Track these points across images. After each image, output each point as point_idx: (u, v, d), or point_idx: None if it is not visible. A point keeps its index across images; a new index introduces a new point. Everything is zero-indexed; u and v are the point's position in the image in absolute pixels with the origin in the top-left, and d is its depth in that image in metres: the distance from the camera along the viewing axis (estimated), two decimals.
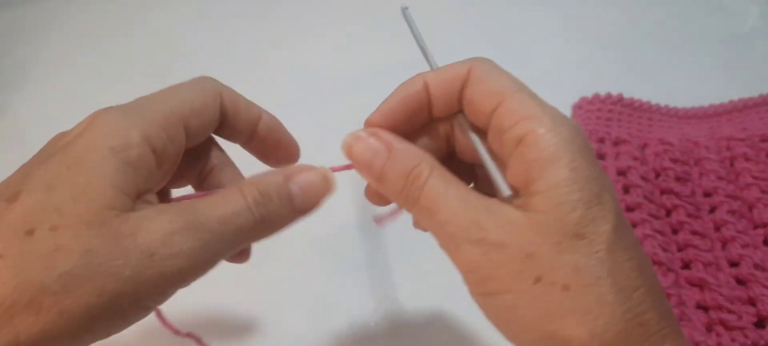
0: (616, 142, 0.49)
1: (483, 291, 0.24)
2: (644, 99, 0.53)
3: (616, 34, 0.64)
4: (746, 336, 0.37)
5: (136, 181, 0.24)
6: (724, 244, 0.42)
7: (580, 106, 0.52)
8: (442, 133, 0.29)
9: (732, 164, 0.47)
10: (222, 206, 0.25)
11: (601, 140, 0.49)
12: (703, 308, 0.39)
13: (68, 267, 0.21)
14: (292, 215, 0.27)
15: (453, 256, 0.24)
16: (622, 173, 0.46)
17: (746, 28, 0.64)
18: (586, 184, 0.23)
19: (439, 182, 0.24)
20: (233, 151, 0.34)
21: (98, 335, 0.23)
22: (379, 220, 0.32)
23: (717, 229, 0.43)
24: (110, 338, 0.23)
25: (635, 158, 0.47)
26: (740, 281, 0.40)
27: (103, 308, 0.22)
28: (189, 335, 0.36)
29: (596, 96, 0.52)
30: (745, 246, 0.41)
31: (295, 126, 0.58)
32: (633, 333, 0.22)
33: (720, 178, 0.45)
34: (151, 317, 0.26)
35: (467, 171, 0.30)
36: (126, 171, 0.24)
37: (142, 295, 0.23)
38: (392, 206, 0.29)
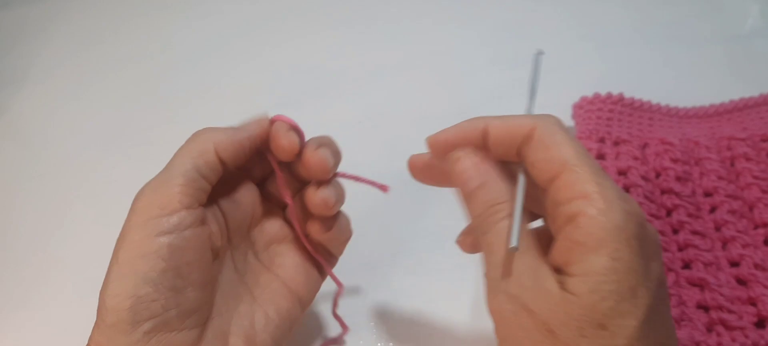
0: (617, 142, 0.49)
1: (502, 342, 0.26)
2: (645, 99, 0.53)
3: (616, 34, 0.63)
4: (747, 336, 0.37)
5: None
6: (725, 244, 0.42)
7: (580, 106, 0.52)
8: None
9: (732, 164, 0.47)
10: (173, 158, 0.31)
11: (602, 140, 0.49)
12: (703, 307, 0.39)
13: None
14: (232, 135, 0.31)
15: (489, 298, 0.26)
16: (622, 172, 0.46)
17: (746, 28, 0.64)
18: (624, 276, 0.23)
19: (496, 234, 0.26)
20: None
21: None
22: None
23: (717, 229, 0.43)
24: None
25: (636, 158, 0.47)
26: (741, 281, 0.40)
27: None
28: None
29: (597, 96, 0.52)
30: (745, 246, 0.41)
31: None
32: None
33: (720, 178, 0.45)
34: None
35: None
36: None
37: None
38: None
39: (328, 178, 0.33)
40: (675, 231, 0.43)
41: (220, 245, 0.32)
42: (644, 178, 0.45)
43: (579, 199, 0.24)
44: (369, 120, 0.56)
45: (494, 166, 0.28)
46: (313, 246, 0.35)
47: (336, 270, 0.37)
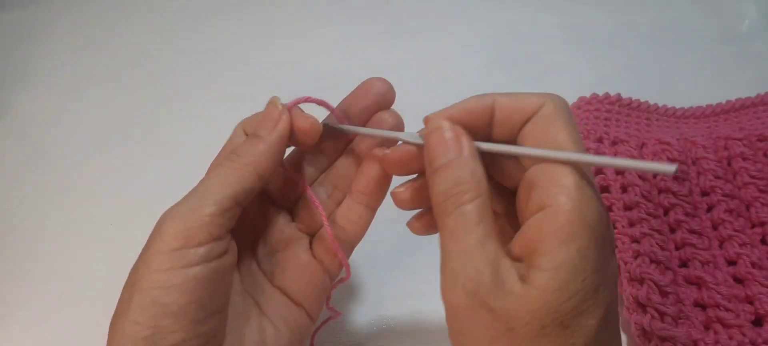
0: (614, 142, 0.49)
1: (456, 338, 0.25)
2: (642, 99, 0.53)
3: (614, 34, 0.64)
4: (744, 334, 0.37)
5: None
6: (722, 242, 0.42)
7: (578, 106, 0.53)
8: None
9: (729, 163, 0.47)
10: (204, 182, 0.29)
11: (600, 140, 0.49)
12: (700, 306, 0.39)
13: None
14: (263, 146, 0.29)
15: (445, 289, 0.25)
16: (620, 172, 0.46)
17: (744, 29, 0.64)
18: (589, 276, 0.23)
19: (474, 214, 0.24)
20: None
21: None
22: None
23: (714, 227, 0.43)
24: None
25: (633, 158, 0.47)
26: (738, 280, 0.40)
27: None
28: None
29: (594, 96, 0.53)
30: (742, 245, 0.41)
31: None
32: None
33: (717, 177, 0.45)
34: None
35: (501, 193, 0.30)
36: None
37: None
38: None
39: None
40: (672, 230, 0.43)
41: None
42: (642, 177, 0.45)
43: (556, 188, 0.24)
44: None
45: (469, 145, 0.26)
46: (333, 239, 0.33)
47: None
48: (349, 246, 0.34)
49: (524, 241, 0.24)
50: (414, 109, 0.56)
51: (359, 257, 0.44)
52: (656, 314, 0.37)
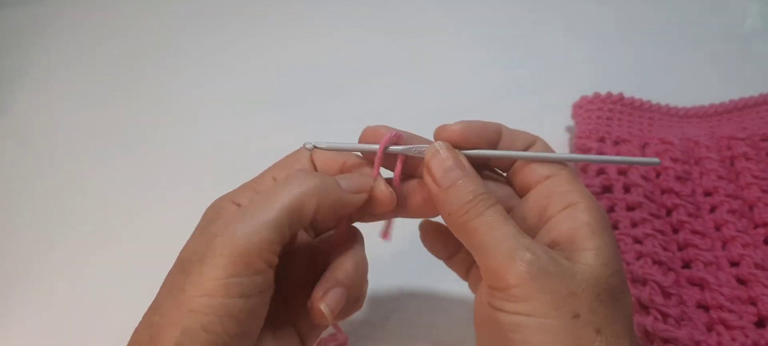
0: (617, 142, 0.49)
1: (513, 308, 0.26)
2: (645, 98, 0.53)
3: (616, 34, 0.64)
4: (746, 336, 0.37)
5: None
6: (725, 243, 0.42)
7: (580, 106, 0.52)
8: None
9: (732, 164, 0.47)
10: (268, 202, 0.27)
11: (602, 140, 0.49)
12: (703, 307, 0.39)
13: None
14: (340, 194, 0.29)
15: (503, 270, 0.26)
16: (622, 172, 0.46)
17: (746, 28, 0.64)
18: (620, 261, 0.27)
19: (499, 215, 0.27)
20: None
21: None
22: (384, 234, 0.34)
23: (717, 228, 0.43)
24: None
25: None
26: (741, 281, 0.40)
27: None
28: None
29: (597, 95, 0.52)
30: (745, 246, 0.41)
31: (294, 125, 0.58)
32: None
33: (720, 177, 0.45)
34: None
35: None
36: None
37: None
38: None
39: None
40: (675, 231, 0.43)
41: None
42: (644, 177, 0.45)
43: (577, 193, 0.28)
44: (369, 120, 0.55)
45: (469, 163, 0.29)
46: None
47: None
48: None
49: (559, 232, 0.28)
50: (414, 109, 0.56)
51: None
52: (659, 316, 0.37)
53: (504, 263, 0.26)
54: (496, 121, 0.31)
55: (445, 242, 0.34)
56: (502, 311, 0.26)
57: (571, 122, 0.53)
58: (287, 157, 0.32)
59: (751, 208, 0.44)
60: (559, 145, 0.52)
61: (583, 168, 0.47)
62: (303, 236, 0.33)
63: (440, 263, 0.36)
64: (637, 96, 0.53)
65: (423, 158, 0.30)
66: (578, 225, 0.27)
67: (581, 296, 0.25)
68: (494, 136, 0.30)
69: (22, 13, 0.72)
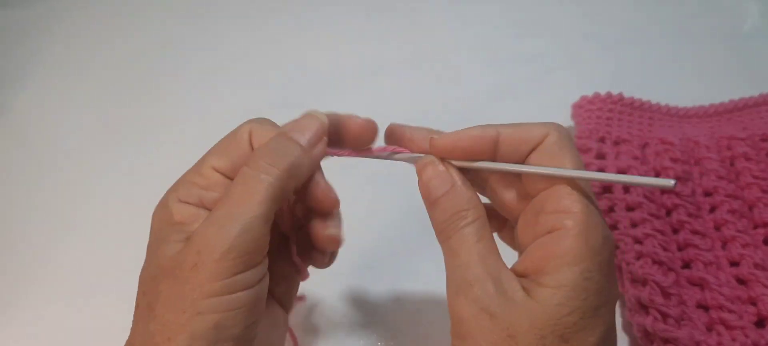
0: (617, 142, 0.49)
1: (460, 342, 0.25)
2: (645, 98, 0.53)
3: (616, 34, 0.64)
4: (746, 336, 0.37)
5: None
6: (725, 243, 0.42)
7: (580, 106, 0.52)
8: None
9: (732, 164, 0.47)
10: (250, 197, 0.26)
11: (602, 140, 0.49)
12: (703, 307, 0.39)
13: None
14: (306, 157, 0.28)
15: (450, 299, 0.26)
16: (622, 172, 0.46)
17: (746, 28, 0.64)
18: (591, 295, 0.24)
19: (473, 235, 0.26)
20: None
21: None
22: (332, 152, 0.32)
23: (717, 228, 0.43)
24: None
25: (635, 158, 0.47)
26: (740, 281, 0.40)
27: None
28: None
29: (597, 95, 0.52)
30: (745, 246, 0.41)
31: None
32: None
33: (720, 177, 0.45)
34: None
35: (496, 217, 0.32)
36: None
37: None
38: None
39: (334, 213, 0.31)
40: (675, 231, 0.43)
41: None
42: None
43: (563, 213, 0.25)
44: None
45: (458, 175, 0.28)
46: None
47: (335, 269, 0.36)
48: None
49: (531, 260, 0.26)
50: (414, 109, 0.56)
51: (359, 258, 0.44)
52: (659, 316, 0.37)
53: (453, 296, 0.26)
54: (494, 124, 0.28)
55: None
56: (452, 343, 0.26)
57: (571, 122, 0.53)
58: (223, 140, 0.31)
59: (751, 208, 0.44)
60: None
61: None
62: None
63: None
64: (637, 96, 0.53)
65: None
66: (548, 255, 0.25)
67: (520, 340, 0.24)
68: (489, 145, 0.28)
69: (22, 13, 0.72)
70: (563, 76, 0.58)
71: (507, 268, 0.26)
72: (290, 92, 0.59)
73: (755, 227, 0.43)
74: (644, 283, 0.39)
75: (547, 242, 0.25)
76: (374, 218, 0.46)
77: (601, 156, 0.48)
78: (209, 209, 0.28)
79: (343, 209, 0.35)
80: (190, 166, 0.53)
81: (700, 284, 0.40)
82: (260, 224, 0.26)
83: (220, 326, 0.25)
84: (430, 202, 0.28)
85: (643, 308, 0.38)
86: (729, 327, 0.38)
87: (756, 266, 0.40)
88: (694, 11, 0.66)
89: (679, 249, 0.42)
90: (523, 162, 0.28)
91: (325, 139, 0.30)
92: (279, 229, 0.33)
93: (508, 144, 0.28)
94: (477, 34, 0.65)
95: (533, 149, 0.28)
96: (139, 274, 0.39)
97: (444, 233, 0.27)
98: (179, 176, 0.55)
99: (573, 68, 0.59)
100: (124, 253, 0.47)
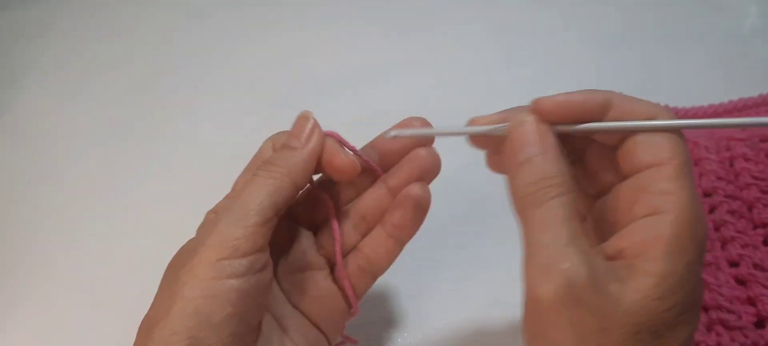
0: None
1: (535, 333, 0.24)
2: (644, 98, 0.53)
3: (615, 34, 0.63)
4: (746, 336, 0.37)
5: None
6: (724, 244, 0.42)
7: None
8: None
9: (731, 164, 0.47)
10: (246, 193, 0.28)
11: None
12: (702, 307, 0.39)
13: None
14: (300, 156, 0.29)
15: (533, 282, 0.23)
16: None
17: (745, 28, 0.64)
18: (691, 291, 0.23)
19: (564, 209, 0.24)
20: None
21: None
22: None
23: (716, 229, 0.43)
24: None
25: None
26: (740, 281, 0.40)
27: None
28: None
29: None
30: (744, 246, 0.41)
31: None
32: None
33: (719, 178, 0.45)
34: None
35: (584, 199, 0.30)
36: None
37: None
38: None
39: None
40: None
41: None
42: None
43: (671, 195, 0.23)
44: (368, 120, 0.55)
45: (556, 142, 0.26)
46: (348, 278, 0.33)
47: None
48: (372, 277, 0.34)
49: (629, 242, 0.24)
50: (414, 109, 0.56)
51: None
52: None
53: (539, 275, 0.23)
54: (606, 90, 0.27)
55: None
56: (526, 328, 0.24)
57: None
58: (252, 159, 0.33)
59: (750, 208, 0.44)
60: None
61: None
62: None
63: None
64: (637, 96, 0.53)
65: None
66: (653, 240, 0.23)
67: (613, 334, 0.22)
68: (600, 108, 0.26)
69: (22, 13, 0.72)
70: (562, 77, 0.58)
71: (598, 254, 0.24)
72: (290, 92, 0.59)
73: (754, 227, 0.43)
74: None
75: (649, 224, 0.23)
76: None
77: None
78: None
79: None
80: (191, 165, 0.53)
81: None
82: (251, 214, 0.27)
83: (200, 312, 0.25)
84: (516, 164, 0.25)
85: None
86: (728, 327, 0.38)
87: (755, 266, 0.40)
88: (693, 11, 0.66)
89: None
90: (622, 141, 0.26)
91: (319, 131, 0.31)
92: (325, 250, 0.34)
93: (621, 111, 0.26)
94: (477, 36, 0.65)
95: (638, 131, 0.26)
96: (139, 273, 0.39)
97: (530, 199, 0.24)
98: (179, 175, 0.55)
99: (572, 68, 0.59)
100: (124, 253, 0.47)
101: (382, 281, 0.34)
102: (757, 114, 0.52)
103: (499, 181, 0.29)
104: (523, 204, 0.25)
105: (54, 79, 0.63)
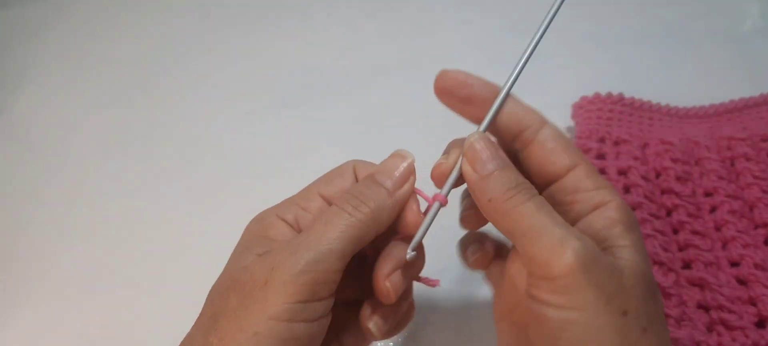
0: (617, 142, 0.49)
1: (559, 301, 0.24)
2: (644, 99, 0.53)
3: (616, 34, 0.63)
4: (747, 336, 0.37)
5: None
6: (725, 244, 0.42)
7: (580, 106, 0.52)
8: None
9: (733, 164, 0.46)
10: (330, 231, 0.26)
11: (602, 140, 0.49)
12: (703, 307, 0.39)
13: None
14: (390, 200, 0.28)
15: (551, 258, 0.24)
16: (622, 172, 0.46)
17: (746, 28, 0.64)
18: (650, 263, 0.27)
19: (545, 204, 0.27)
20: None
21: None
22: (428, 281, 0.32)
23: (717, 229, 0.43)
24: None
25: (636, 158, 0.47)
26: (741, 281, 0.40)
27: None
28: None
29: (597, 95, 0.52)
30: (745, 246, 0.41)
31: (293, 125, 0.58)
32: None
33: (721, 178, 0.45)
34: None
35: None
36: None
37: None
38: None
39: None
40: (675, 231, 0.43)
41: None
42: (644, 178, 0.45)
43: (606, 190, 0.28)
44: (368, 120, 0.56)
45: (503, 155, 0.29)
46: None
47: None
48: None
49: (592, 231, 0.27)
50: (414, 109, 0.56)
51: None
52: None
53: (553, 251, 0.24)
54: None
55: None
56: (545, 303, 0.25)
57: (571, 122, 0.53)
58: (331, 172, 0.31)
59: (751, 208, 0.44)
60: None
61: None
62: None
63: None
64: (637, 96, 0.53)
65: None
66: (610, 224, 0.26)
67: (630, 292, 0.24)
68: (491, 95, 0.30)
69: (22, 13, 0.72)
70: (563, 77, 0.58)
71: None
72: (291, 93, 0.59)
73: (756, 227, 0.43)
74: None
75: (600, 215, 0.27)
76: None
77: (601, 156, 0.48)
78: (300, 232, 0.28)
79: None
80: (190, 165, 0.53)
81: (701, 285, 0.40)
82: (334, 258, 0.26)
83: None
84: (484, 174, 0.27)
85: None
86: (729, 328, 0.38)
87: (756, 266, 0.40)
88: (694, 11, 0.66)
89: (680, 249, 0.42)
90: (527, 147, 0.30)
91: (413, 178, 0.30)
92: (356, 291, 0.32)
93: (511, 120, 0.30)
94: (477, 35, 0.65)
95: (539, 129, 0.30)
96: (139, 274, 0.39)
97: (506, 203, 0.26)
98: (179, 175, 0.55)
99: (573, 68, 0.59)
100: (125, 253, 0.47)
101: None
102: (758, 114, 0.52)
103: None
104: (507, 206, 0.26)
105: (54, 79, 0.63)
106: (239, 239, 0.30)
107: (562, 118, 0.53)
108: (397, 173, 0.29)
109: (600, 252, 0.25)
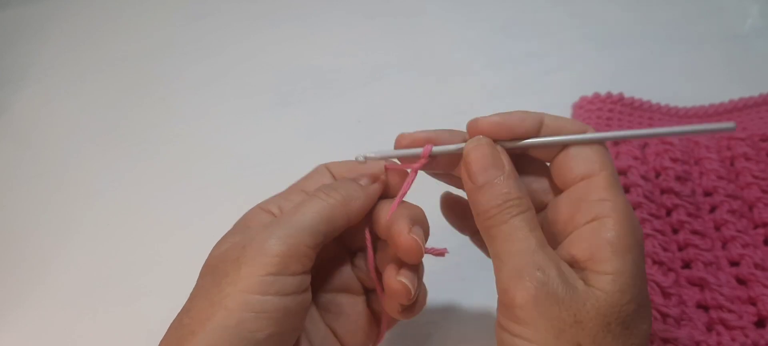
0: (617, 142, 0.49)
1: (517, 333, 0.25)
2: (644, 99, 0.53)
3: (616, 34, 0.64)
4: (746, 336, 0.37)
5: None
6: (725, 243, 0.42)
7: (580, 106, 0.52)
8: None
9: (732, 164, 0.47)
10: (302, 211, 0.28)
11: None
12: (703, 307, 0.39)
13: None
14: (361, 192, 0.29)
15: (504, 284, 0.25)
16: (622, 172, 0.46)
17: (746, 28, 0.64)
18: (643, 284, 0.25)
19: (528, 223, 0.26)
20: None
21: None
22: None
23: (717, 228, 0.43)
24: None
25: (636, 158, 0.47)
26: (740, 281, 0.40)
27: None
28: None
29: (596, 95, 0.52)
30: (745, 246, 0.41)
31: (293, 126, 0.58)
32: None
33: (720, 177, 0.45)
34: None
35: None
36: None
37: None
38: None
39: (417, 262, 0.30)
40: (675, 231, 0.43)
41: None
42: (644, 177, 0.45)
43: (608, 202, 0.26)
44: (368, 120, 0.56)
45: (509, 161, 0.28)
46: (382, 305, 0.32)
47: None
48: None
49: (578, 248, 0.26)
50: (414, 109, 0.56)
51: None
52: (658, 316, 0.37)
53: (512, 281, 0.25)
54: (538, 111, 0.29)
55: (464, 217, 0.33)
56: (504, 330, 0.25)
57: None
58: (311, 173, 0.33)
59: (750, 208, 0.44)
60: None
61: None
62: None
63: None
64: (637, 96, 0.53)
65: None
66: (600, 243, 0.25)
67: (587, 326, 0.24)
68: (534, 128, 0.28)
69: (22, 13, 0.72)
70: (563, 77, 0.58)
71: (560, 259, 0.26)
72: (291, 93, 0.59)
73: (755, 226, 0.43)
74: None
75: (594, 229, 0.26)
76: None
77: None
78: None
79: None
80: (190, 165, 0.53)
81: (700, 284, 0.40)
82: (305, 234, 0.27)
83: (243, 326, 0.25)
84: (478, 187, 0.27)
85: None
86: (729, 327, 0.38)
87: (756, 266, 0.40)
88: (693, 11, 0.66)
89: (679, 249, 0.42)
90: (555, 156, 0.29)
91: (382, 179, 0.31)
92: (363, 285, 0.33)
93: (552, 129, 0.28)
94: (477, 36, 0.65)
95: (568, 145, 0.28)
96: (139, 273, 0.39)
97: (495, 220, 0.26)
98: (179, 175, 0.55)
99: (573, 69, 0.59)
100: (125, 253, 0.47)
101: None
102: (758, 114, 0.52)
103: None
104: (488, 224, 0.27)
105: (54, 79, 0.63)
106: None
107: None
108: (369, 171, 0.31)
109: (561, 282, 0.24)
